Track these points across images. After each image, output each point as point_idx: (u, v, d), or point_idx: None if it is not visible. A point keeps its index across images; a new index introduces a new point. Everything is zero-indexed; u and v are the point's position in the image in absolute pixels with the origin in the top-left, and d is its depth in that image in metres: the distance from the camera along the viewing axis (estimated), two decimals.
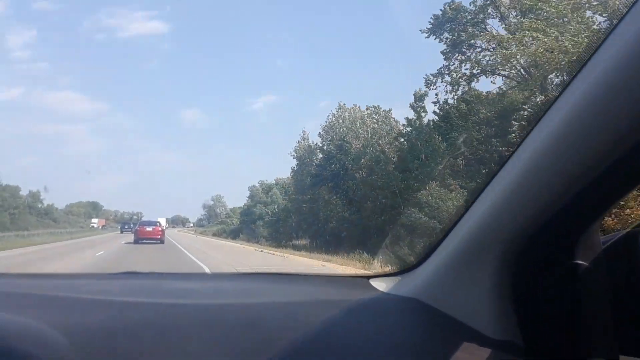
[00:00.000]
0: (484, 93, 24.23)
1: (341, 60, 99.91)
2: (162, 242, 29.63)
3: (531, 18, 18.92)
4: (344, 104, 34.47)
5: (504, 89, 24.12)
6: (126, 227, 57.08)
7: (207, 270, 13.02)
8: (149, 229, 30.77)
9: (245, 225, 55.20)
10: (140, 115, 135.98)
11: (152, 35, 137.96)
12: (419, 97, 24.98)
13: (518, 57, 20.21)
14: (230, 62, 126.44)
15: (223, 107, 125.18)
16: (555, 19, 17.86)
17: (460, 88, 25.66)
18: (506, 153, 0.90)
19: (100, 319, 1.00)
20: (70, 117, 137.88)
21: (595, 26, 16.13)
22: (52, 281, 1.63)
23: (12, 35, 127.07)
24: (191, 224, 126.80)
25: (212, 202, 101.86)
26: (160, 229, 31.14)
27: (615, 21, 0.70)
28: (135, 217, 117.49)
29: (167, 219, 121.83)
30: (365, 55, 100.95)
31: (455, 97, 25.45)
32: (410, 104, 24.85)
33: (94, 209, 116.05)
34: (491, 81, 24.89)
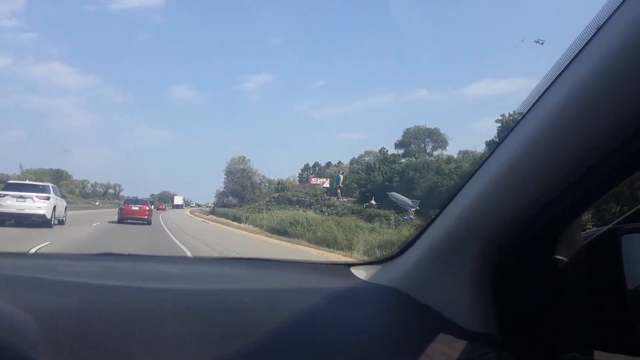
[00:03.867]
0: None
1: (337, 41, 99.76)
2: (149, 223, 26.44)
3: None
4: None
5: None
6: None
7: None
8: (135, 207, 26.92)
9: None
10: (130, 90, 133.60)
11: (144, 7, 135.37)
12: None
13: None
14: (224, 38, 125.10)
15: (214, 84, 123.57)
16: None
17: None
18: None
19: (74, 302, 0.97)
20: (58, 90, 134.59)
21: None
22: (25, 261, 1.60)
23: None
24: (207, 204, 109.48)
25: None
26: (147, 208, 27.45)
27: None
28: (111, 190, 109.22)
29: (183, 197, 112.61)
30: (361, 36, 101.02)
31: None
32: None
33: (58, 177, 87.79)
34: None
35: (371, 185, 44.11)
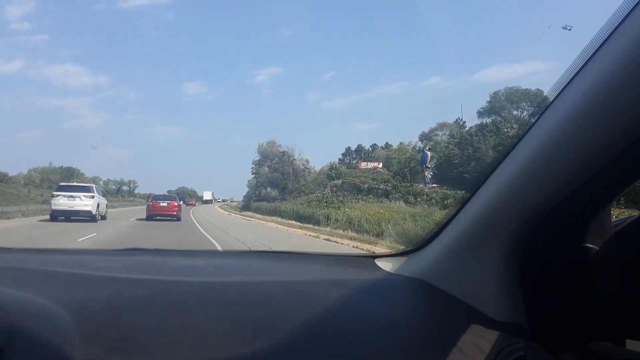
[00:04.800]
0: None
1: (346, 31, 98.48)
2: (178, 219, 25.72)
3: None
4: None
5: None
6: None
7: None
8: (164, 204, 26.52)
9: None
10: (143, 88, 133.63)
11: (154, 5, 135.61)
12: None
13: None
14: (235, 33, 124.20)
15: (226, 79, 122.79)
16: None
17: None
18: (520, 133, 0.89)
19: (104, 296, 1.00)
20: (71, 91, 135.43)
21: None
22: (56, 257, 1.64)
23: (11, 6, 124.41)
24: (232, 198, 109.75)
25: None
26: (176, 203, 26.64)
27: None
28: (125, 187, 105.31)
29: (212, 192, 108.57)
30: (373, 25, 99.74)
31: None
32: None
33: (69, 175, 78.17)
34: None
35: (476, 163, 32.69)
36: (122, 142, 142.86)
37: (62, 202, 21.45)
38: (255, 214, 40.49)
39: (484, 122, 46.90)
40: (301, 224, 26.56)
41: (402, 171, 40.03)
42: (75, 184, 25.55)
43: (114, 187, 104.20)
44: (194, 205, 75.38)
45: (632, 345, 0.90)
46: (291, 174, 49.73)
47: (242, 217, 38.34)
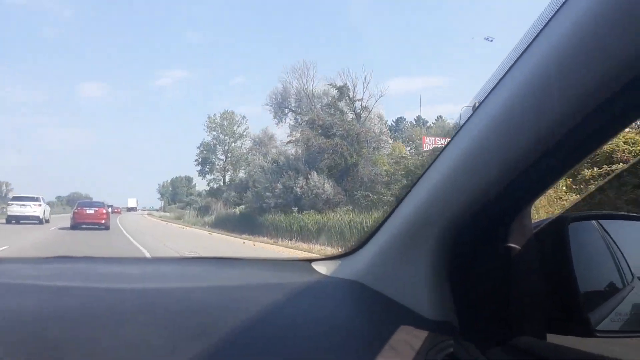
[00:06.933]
0: None
1: (255, 35, 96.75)
2: (107, 228, 24.53)
3: None
4: None
5: None
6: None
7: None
8: (90, 211, 24.95)
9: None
10: (37, 88, 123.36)
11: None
12: None
13: None
14: (137, 33, 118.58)
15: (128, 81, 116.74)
16: None
17: None
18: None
19: (30, 304, 0.95)
20: None
21: None
22: None
23: None
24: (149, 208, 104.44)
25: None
26: (104, 210, 25.39)
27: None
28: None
29: (136, 199, 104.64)
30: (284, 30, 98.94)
31: None
32: None
33: None
34: None
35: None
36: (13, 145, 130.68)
37: (15, 209, 28.34)
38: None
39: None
40: None
41: None
42: (25, 195, 30.58)
43: None
44: (119, 213, 69.85)
45: (552, 338, 0.95)
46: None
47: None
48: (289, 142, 29.53)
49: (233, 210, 32.58)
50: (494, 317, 0.96)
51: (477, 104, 0.85)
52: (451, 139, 0.92)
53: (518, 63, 0.77)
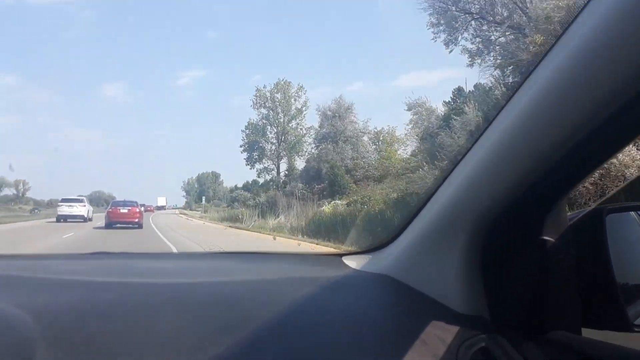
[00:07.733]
0: None
1: (275, 33, 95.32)
2: (140, 226, 25.51)
3: None
4: None
5: None
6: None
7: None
8: (124, 210, 26.20)
9: None
10: (59, 90, 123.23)
11: (69, 1, 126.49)
12: None
13: None
14: (157, 32, 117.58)
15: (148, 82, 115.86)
16: None
17: None
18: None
19: (68, 300, 0.98)
20: None
21: None
22: (19, 262, 1.60)
23: None
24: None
25: None
26: (137, 210, 26.62)
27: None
28: (9, 189, 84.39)
29: (165, 198, 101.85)
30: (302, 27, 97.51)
31: None
32: None
33: None
34: None
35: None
36: (31, 143, 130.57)
37: (64, 209, 32.54)
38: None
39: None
40: None
41: None
42: (72, 197, 35.19)
43: None
44: (152, 211, 68.98)
45: (587, 333, 0.94)
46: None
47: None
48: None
49: (320, 208, 24.76)
50: (527, 311, 0.94)
51: (512, 95, 0.84)
52: (484, 129, 0.91)
53: (553, 50, 0.75)
